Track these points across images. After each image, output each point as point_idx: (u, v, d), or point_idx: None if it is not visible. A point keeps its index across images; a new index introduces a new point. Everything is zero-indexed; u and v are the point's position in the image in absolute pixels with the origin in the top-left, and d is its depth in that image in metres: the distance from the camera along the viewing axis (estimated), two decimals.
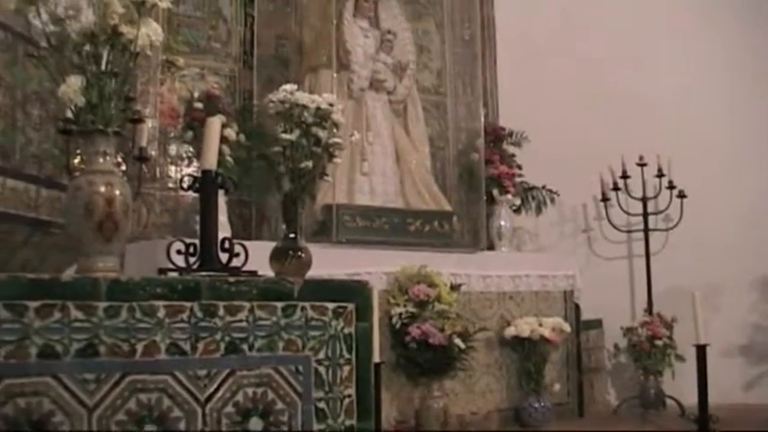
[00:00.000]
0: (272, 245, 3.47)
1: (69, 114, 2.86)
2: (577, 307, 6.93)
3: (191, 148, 5.71)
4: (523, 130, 7.29)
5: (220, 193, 3.20)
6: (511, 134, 7.26)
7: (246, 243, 3.07)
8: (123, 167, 3.66)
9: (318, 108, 3.25)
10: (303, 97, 3.25)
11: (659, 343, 7.07)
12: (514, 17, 7.64)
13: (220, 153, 3.71)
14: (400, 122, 6.59)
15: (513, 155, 7.21)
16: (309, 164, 3.22)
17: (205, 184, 3.02)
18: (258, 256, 3.15)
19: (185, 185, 3.07)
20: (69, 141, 3.16)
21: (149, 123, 5.35)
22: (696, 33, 8.05)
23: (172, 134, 5.86)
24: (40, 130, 4.95)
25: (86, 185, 2.74)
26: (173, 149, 5.96)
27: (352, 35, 6.28)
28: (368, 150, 6.18)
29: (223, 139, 4.86)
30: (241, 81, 6.35)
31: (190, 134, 5.56)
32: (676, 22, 8.05)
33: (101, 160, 2.79)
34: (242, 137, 5.61)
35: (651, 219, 7.76)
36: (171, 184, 5.95)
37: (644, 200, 7.71)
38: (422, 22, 7.35)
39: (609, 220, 7.87)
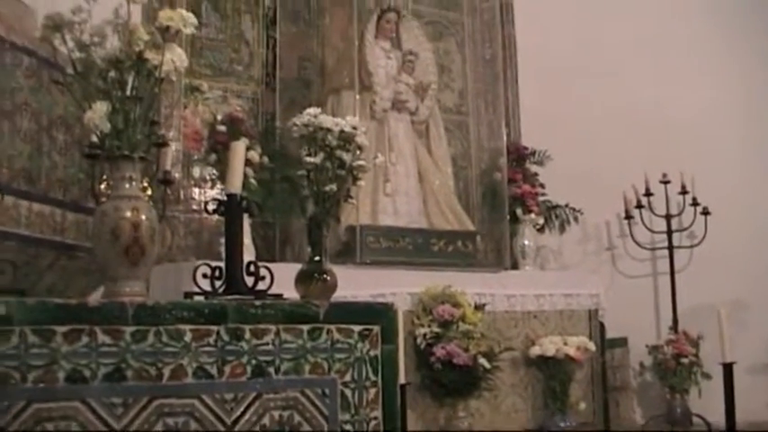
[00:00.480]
0: (296, 266, 3.48)
1: (94, 139, 2.88)
2: (602, 325, 6.89)
3: (214, 171, 5.74)
4: (546, 148, 7.28)
5: (245, 215, 3.21)
6: (533, 153, 7.25)
7: (271, 265, 3.09)
8: (149, 191, 3.67)
9: (342, 131, 3.27)
10: (327, 120, 3.27)
11: (685, 361, 7.03)
12: (535, 36, 7.64)
13: (244, 175, 3.72)
14: (423, 143, 6.60)
15: (536, 174, 7.20)
16: (334, 187, 3.24)
17: (230, 207, 3.04)
18: (283, 278, 3.16)
19: (210, 209, 3.09)
20: (95, 165, 3.18)
21: (173, 146, 5.38)
22: (716, 48, 8.02)
23: (195, 157, 5.89)
24: (65, 155, 4.96)
25: (113, 211, 2.76)
26: (196, 172, 6.00)
27: (374, 56, 6.30)
28: (391, 171, 6.19)
29: (246, 162, 4.84)
30: (264, 103, 6.38)
31: (213, 157, 5.60)
32: (696, 38, 8.02)
33: (127, 186, 2.81)
34: (265, 159, 5.65)
35: (675, 236, 7.73)
36: (195, 207, 5.98)
37: (668, 217, 7.69)
38: (443, 41, 7.36)
39: (633, 238, 7.84)
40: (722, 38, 8.05)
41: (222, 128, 5.61)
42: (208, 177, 5.88)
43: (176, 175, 5.48)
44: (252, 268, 2.99)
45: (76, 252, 4.96)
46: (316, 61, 6.59)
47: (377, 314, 2.93)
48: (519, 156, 7.13)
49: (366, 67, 6.19)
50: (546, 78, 7.57)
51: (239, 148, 3.12)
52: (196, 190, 6.00)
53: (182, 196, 5.93)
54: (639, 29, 7.90)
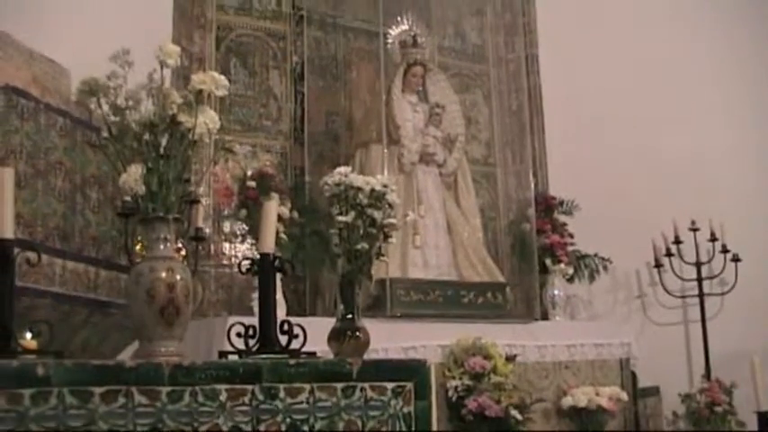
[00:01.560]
0: (327, 320, 3.50)
1: (127, 197, 2.93)
2: (634, 375, 6.85)
3: (245, 226, 5.79)
4: (574, 198, 7.28)
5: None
6: (561, 203, 7.25)
7: (303, 320, 3.12)
8: (182, 251, 3.71)
9: (373, 190, 3.31)
10: (357, 179, 3.31)
11: (719, 409, 6.95)
12: (561, 86, 7.67)
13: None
14: (451, 194, 6.61)
15: (565, 224, 7.20)
16: (365, 245, 3.27)
17: (263, 267, 3.08)
18: (315, 333, 3.18)
19: (244, 269, 3.13)
20: (127, 223, 3.22)
21: (204, 201, 5.44)
22: (744, 93, 8.05)
23: (226, 212, 5.95)
24: (98, 213, 5.04)
25: (148, 272, 2.80)
26: (227, 227, 6.05)
27: (401, 110, 6.34)
28: (420, 224, 6.19)
29: (277, 217, 4.92)
30: (292, 157, 6.43)
31: (243, 212, 5.66)
32: (724, 83, 8.05)
33: (161, 246, 2.86)
34: (295, 214, 5.69)
35: (706, 283, 7.71)
36: (225, 261, 6.03)
37: (698, 264, 7.67)
38: (469, 93, 7.43)
39: (663, 286, 7.82)
40: (748, 80, 8.07)
41: (252, 183, 5.67)
42: (238, 232, 5.94)
43: (207, 230, 5.53)
44: (285, 327, 3.02)
45: (110, 308, 5.01)
46: (343, 115, 6.66)
47: (410, 371, 2.94)
48: (547, 206, 7.14)
49: (394, 120, 6.23)
50: (572, 127, 7.61)
51: (271, 208, 3.16)
52: (227, 245, 6.05)
53: (212, 251, 5.98)
54: (665, 76, 7.93)
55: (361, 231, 3.29)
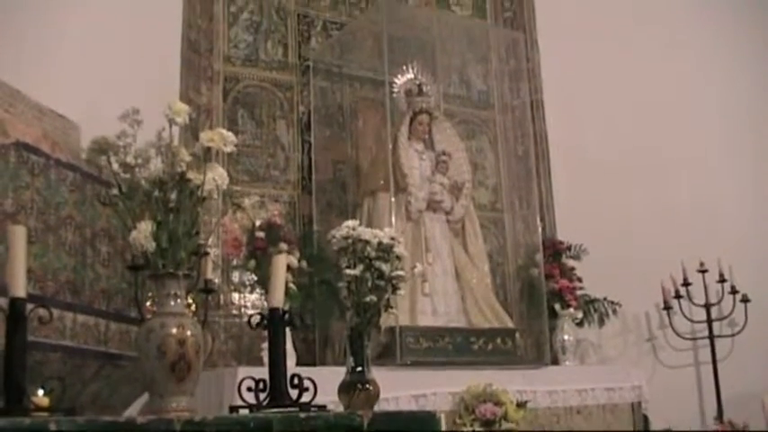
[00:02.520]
0: (337, 370, 3.51)
1: (138, 253, 2.97)
2: (646, 418, 6.82)
3: (254, 276, 5.81)
4: (581, 242, 7.28)
5: None
6: (569, 248, 7.26)
7: (312, 369, 3.13)
8: (192, 306, 3.73)
9: (380, 242, 3.33)
10: (365, 232, 3.34)
11: None
12: (566, 130, 7.71)
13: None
14: (459, 241, 6.61)
15: (573, 268, 7.19)
16: (374, 297, 3.29)
17: (273, 321, 3.10)
18: (325, 383, 3.20)
19: (254, 323, 3.15)
20: (137, 276, 3.25)
21: (213, 252, 5.47)
22: (750, 134, 8.07)
23: (235, 262, 5.97)
24: (108, 266, 5.06)
25: (159, 328, 2.83)
26: (236, 277, 6.07)
27: (408, 158, 6.36)
28: (428, 271, 6.20)
29: (286, 268, 4.94)
30: (301, 206, 6.47)
31: (253, 263, 5.67)
32: (730, 124, 8.08)
33: (172, 303, 2.89)
34: (304, 263, 5.71)
35: (716, 325, 7.69)
36: (235, 311, 6.04)
37: (707, 306, 7.66)
38: (476, 140, 7.47)
39: (673, 329, 7.80)
40: (755, 121, 8.10)
41: (261, 234, 5.70)
42: (247, 283, 5.96)
43: (216, 280, 5.54)
44: (296, 380, 3.03)
45: (120, 361, 5.02)
46: (350, 164, 6.70)
47: (420, 422, 2.95)
48: (555, 251, 7.15)
49: (401, 169, 6.25)
50: (578, 171, 7.64)
51: (280, 262, 3.19)
52: (236, 295, 6.07)
53: (222, 301, 6.00)
54: (670, 118, 7.96)
55: (370, 284, 3.31)
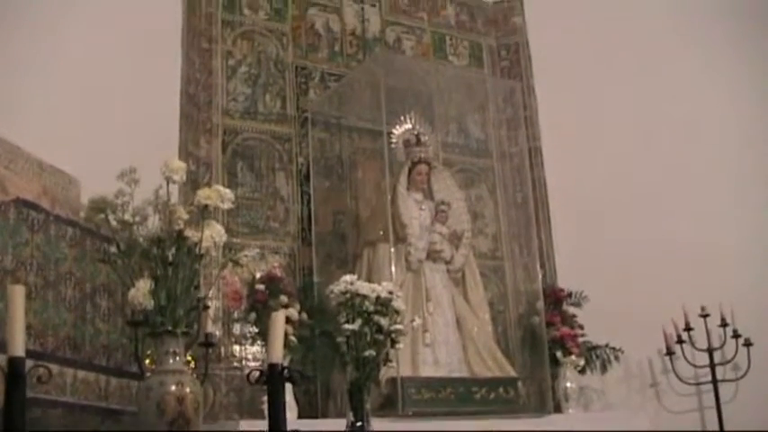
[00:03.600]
0: (339, 422, 3.51)
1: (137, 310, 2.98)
2: None
3: (255, 328, 5.80)
4: (582, 288, 7.27)
5: None
6: (570, 295, 7.25)
7: (314, 422, 3.13)
8: (191, 363, 3.74)
9: (378, 297, 3.34)
10: (363, 287, 3.35)
11: None
12: (565, 177, 7.72)
13: (284, 334, 3.79)
14: (459, 290, 6.61)
15: (575, 315, 7.17)
16: (373, 352, 3.30)
17: (272, 377, 3.10)
18: None
19: (253, 379, 3.15)
20: (137, 331, 3.26)
21: (213, 304, 5.48)
22: (752, 176, 8.08)
23: (235, 315, 5.97)
24: (108, 321, 5.08)
25: (158, 386, 2.84)
26: (236, 329, 6.06)
27: (407, 208, 6.38)
28: (429, 321, 6.20)
29: (286, 320, 4.94)
30: (301, 258, 6.47)
31: (253, 315, 5.68)
32: (730, 168, 8.09)
33: (170, 360, 2.90)
34: (304, 315, 5.71)
35: (719, 369, 7.65)
36: (236, 363, 6.03)
37: (710, 351, 7.63)
38: (474, 188, 7.49)
39: (676, 374, 7.76)
40: (758, 166, 8.12)
41: (261, 287, 5.71)
42: (248, 335, 5.94)
43: (217, 332, 5.54)
44: None
45: (121, 416, 5.01)
46: (350, 214, 6.73)
47: None
48: (556, 299, 7.14)
49: (400, 219, 6.27)
50: (578, 218, 7.64)
51: (279, 318, 3.20)
52: (237, 347, 6.05)
53: (223, 354, 5.99)
54: (670, 163, 7.98)
55: (369, 338, 3.32)
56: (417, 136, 6.62)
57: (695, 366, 7.73)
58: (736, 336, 7.60)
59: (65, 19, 5.83)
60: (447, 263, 6.53)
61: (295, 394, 5.68)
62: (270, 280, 5.77)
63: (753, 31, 8.25)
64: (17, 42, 5.62)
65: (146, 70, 5.94)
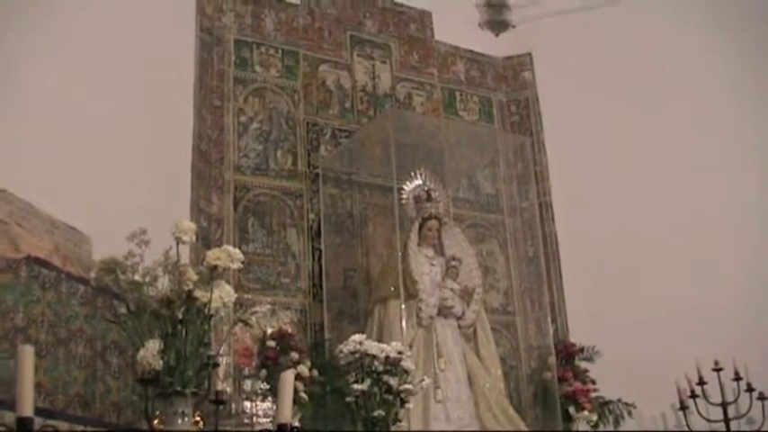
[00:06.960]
0: None
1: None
2: None
3: (266, 385, 5.78)
4: (594, 343, 7.24)
5: None
6: (582, 350, 7.22)
7: None
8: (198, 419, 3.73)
9: (388, 356, 3.34)
10: (372, 347, 3.35)
11: None
12: (576, 231, 7.73)
13: (294, 390, 3.78)
14: (471, 346, 6.59)
15: (587, 370, 7.16)
16: (382, 412, 3.29)
17: None
18: None
19: None
20: (147, 389, 3.26)
21: (224, 361, 5.46)
22: (760, 233, 8.06)
23: (246, 371, 5.96)
24: (118, 378, 5.07)
25: None
26: (247, 385, 6.04)
27: (418, 264, 6.38)
28: (441, 377, 6.16)
29: (297, 376, 4.94)
30: (312, 314, 6.46)
31: (264, 372, 5.67)
32: (738, 222, 8.07)
33: (179, 421, 2.90)
34: (315, 372, 5.69)
35: (733, 423, 7.58)
36: (247, 420, 6.00)
37: (723, 405, 7.57)
38: (485, 243, 7.50)
39: (689, 429, 7.70)
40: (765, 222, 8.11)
41: (272, 344, 5.71)
42: (259, 391, 5.93)
43: (228, 389, 5.53)
44: None
45: None
46: (361, 271, 6.74)
47: None
48: (568, 354, 7.12)
49: (411, 275, 6.26)
50: (589, 272, 7.63)
51: (288, 378, 3.19)
52: (248, 404, 6.03)
53: (233, 410, 5.96)
54: (681, 217, 7.96)
55: (378, 398, 3.31)
56: (428, 192, 6.64)
57: (709, 421, 7.66)
58: (749, 389, 7.54)
59: (78, 77, 5.89)
60: (458, 318, 6.51)
61: None
62: (281, 337, 5.77)
63: (762, 87, 8.29)
64: (32, 100, 5.68)
65: (158, 127, 6.00)
